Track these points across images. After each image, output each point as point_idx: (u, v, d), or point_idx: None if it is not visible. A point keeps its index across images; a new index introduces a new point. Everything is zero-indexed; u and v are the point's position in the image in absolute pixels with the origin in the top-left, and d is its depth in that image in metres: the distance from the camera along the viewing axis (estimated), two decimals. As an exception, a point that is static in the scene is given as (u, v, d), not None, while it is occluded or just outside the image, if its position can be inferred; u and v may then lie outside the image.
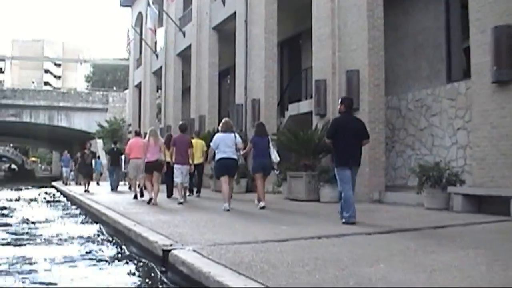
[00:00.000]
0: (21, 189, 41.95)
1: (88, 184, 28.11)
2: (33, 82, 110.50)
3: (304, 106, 24.03)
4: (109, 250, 11.04)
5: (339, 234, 9.82)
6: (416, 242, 9.02)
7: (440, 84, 19.41)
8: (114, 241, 12.19)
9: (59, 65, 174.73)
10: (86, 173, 29.38)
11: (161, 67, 43.63)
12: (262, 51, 25.24)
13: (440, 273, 6.59)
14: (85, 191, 27.20)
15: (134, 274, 8.77)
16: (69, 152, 46.47)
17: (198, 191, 22.17)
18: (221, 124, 16.00)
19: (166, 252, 8.41)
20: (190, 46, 35.80)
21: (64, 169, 44.43)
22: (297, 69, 28.68)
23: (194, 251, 8.11)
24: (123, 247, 11.20)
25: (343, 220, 11.47)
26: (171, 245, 8.69)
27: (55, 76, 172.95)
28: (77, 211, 20.98)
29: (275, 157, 16.48)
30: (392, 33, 19.72)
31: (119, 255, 10.39)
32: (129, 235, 11.28)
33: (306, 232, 10.23)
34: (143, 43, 48.95)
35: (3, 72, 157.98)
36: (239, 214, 14.56)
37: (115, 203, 18.50)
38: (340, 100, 12.47)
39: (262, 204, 15.64)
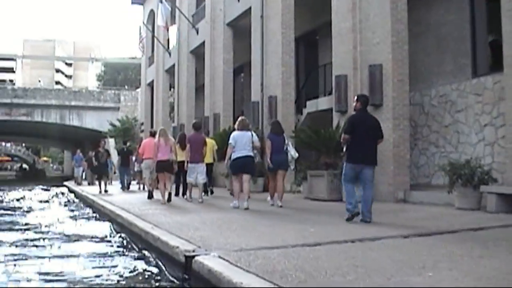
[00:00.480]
0: (31, 190, 41.38)
1: (105, 184, 26.66)
2: (39, 81, 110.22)
3: (323, 103, 23.37)
4: (125, 254, 10.42)
5: (374, 237, 9.15)
6: (459, 246, 8.33)
7: (465, 79, 18.75)
8: (129, 244, 11.57)
9: (70, 65, 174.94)
10: (101, 173, 27.26)
11: (174, 65, 42.98)
12: (279, 46, 24.53)
13: (497, 282, 5.94)
14: (100, 192, 25.75)
15: (154, 281, 8.17)
16: (81, 152, 44.81)
17: (211, 191, 22.12)
18: (237, 123, 15.93)
19: (189, 258, 7.75)
20: (203, 43, 35.14)
21: (76, 169, 42.94)
22: (313, 66, 28.03)
23: (220, 257, 7.45)
24: (141, 251, 10.57)
25: (346, 217, 11.60)
26: (193, 251, 8.04)
27: (66, 76, 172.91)
28: (91, 212, 20.41)
29: (294, 153, 16.44)
30: (413, 27, 18.97)
31: (136, 260, 9.75)
32: (146, 238, 10.63)
33: (336, 234, 9.61)
34: (156, 41, 48.36)
35: (14, 72, 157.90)
36: (260, 214, 14.01)
37: (129, 204, 17.95)
38: (355, 98, 12.27)
39: (279, 203, 15.79)
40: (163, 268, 8.83)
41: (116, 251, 10.77)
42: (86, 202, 24.12)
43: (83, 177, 41.57)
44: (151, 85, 52.30)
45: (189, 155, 18.02)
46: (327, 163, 18.53)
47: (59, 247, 11.45)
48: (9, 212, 20.64)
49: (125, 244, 11.77)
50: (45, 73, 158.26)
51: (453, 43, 19.44)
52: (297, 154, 16.63)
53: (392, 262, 7.00)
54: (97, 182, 27.85)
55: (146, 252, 10.24)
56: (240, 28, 30.68)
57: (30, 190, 41.08)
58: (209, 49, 33.73)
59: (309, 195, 18.74)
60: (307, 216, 13.30)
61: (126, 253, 10.55)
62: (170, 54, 44.66)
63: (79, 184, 39.48)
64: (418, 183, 19.60)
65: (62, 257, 10.12)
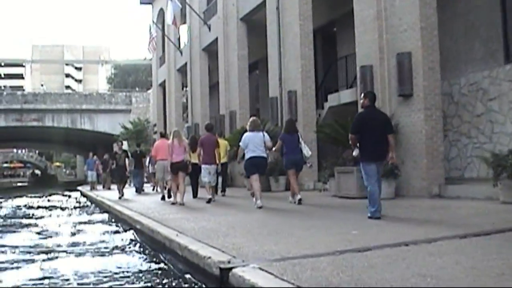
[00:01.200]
0: (42, 196, 40.43)
1: (122, 188, 25.07)
2: (42, 85, 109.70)
3: (346, 96, 22.35)
4: (148, 266, 9.48)
5: (428, 239, 8.14)
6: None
7: (498, 66, 17.75)
8: (152, 253, 10.61)
9: (79, 69, 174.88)
10: (120, 177, 25.36)
11: (186, 64, 42.06)
12: (297, 39, 23.51)
13: None
14: (120, 197, 23.98)
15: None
16: (94, 155, 43.05)
17: (223, 190, 22.25)
18: (248, 123, 16.29)
19: (225, 271, 6.80)
20: (216, 39, 34.11)
21: (89, 173, 40.82)
22: (332, 59, 27.02)
23: (261, 269, 6.48)
24: (165, 262, 9.63)
25: (369, 215, 11.32)
26: (229, 262, 7.08)
27: (76, 80, 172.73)
28: (106, 218, 19.51)
29: (306, 151, 16.34)
30: (439, 13, 17.92)
31: (161, 273, 8.80)
32: (171, 247, 9.68)
33: (384, 237, 8.65)
34: (166, 40, 47.52)
35: (23, 78, 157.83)
36: (291, 215, 13.12)
37: (147, 208, 17.32)
38: (362, 94, 12.31)
39: (298, 196, 15.62)
40: (194, 282, 7.84)
41: (139, 263, 9.81)
42: (102, 207, 23.16)
43: (97, 181, 40.43)
44: (162, 85, 51.40)
45: (202, 157, 18.61)
46: (356, 159, 17.49)
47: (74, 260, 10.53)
48: (18, 221, 19.79)
49: (147, 253, 10.82)
50: (55, 78, 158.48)
51: (482, 28, 18.46)
52: (310, 153, 16.62)
53: (464, 270, 6.01)
54: (113, 186, 26.96)
55: (171, 263, 9.30)
56: (254, 23, 29.67)
57: (41, 196, 40.16)
58: (223, 46, 32.71)
59: (337, 193, 17.70)
60: (341, 215, 12.44)
61: (149, 265, 9.58)
62: (181, 52, 43.67)
63: (93, 188, 38.20)
64: (450, 177, 18.53)
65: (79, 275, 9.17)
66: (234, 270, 6.60)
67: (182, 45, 44.96)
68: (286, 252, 7.56)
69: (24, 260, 10.50)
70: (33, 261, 10.35)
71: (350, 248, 7.64)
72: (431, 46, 16.70)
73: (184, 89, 48.40)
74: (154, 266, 9.41)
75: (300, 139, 16.44)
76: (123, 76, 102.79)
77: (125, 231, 14.60)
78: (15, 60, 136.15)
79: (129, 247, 11.83)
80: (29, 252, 11.58)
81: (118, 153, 25.50)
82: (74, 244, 12.57)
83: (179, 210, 15.89)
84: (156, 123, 53.23)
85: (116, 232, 14.90)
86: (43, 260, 10.27)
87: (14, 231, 16.27)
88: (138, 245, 12.06)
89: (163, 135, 23.31)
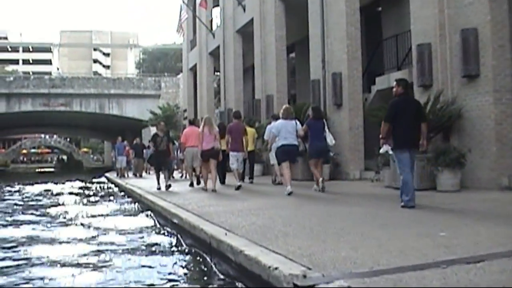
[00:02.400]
0: (65, 183, 38.77)
1: (168, 177, 20.86)
2: (58, 69, 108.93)
3: (397, 77, 20.56)
4: (192, 272, 7.95)
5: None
6: None
7: None
8: (198, 258, 9.03)
9: (108, 55, 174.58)
10: (161, 164, 20.79)
11: (218, 47, 40.31)
12: (342, 17, 21.79)
13: None
14: (159, 188, 20.32)
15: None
16: (124, 139, 40.14)
17: (251, 177, 22.00)
18: (281, 111, 16.28)
19: (303, 289, 5.21)
20: (252, 20, 32.31)
21: (119, 158, 36.20)
22: (375, 40, 25.22)
23: (352, 288, 4.88)
24: (214, 268, 8.07)
25: (402, 204, 11.24)
26: (305, 276, 5.47)
27: (104, 66, 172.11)
28: (136, 208, 18.07)
29: (330, 140, 16.38)
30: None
31: (209, 280, 7.26)
32: (219, 248, 8.06)
33: (485, 241, 7.09)
34: (198, 23, 45.86)
35: (51, 64, 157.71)
36: (347, 208, 11.59)
37: (182, 199, 15.54)
38: (395, 82, 12.11)
39: (320, 185, 15.62)
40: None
41: (181, 267, 8.29)
42: (133, 197, 21.56)
43: (124, 166, 37.10)
44: (193, 69, 49.85)
45: (230, 144, 18.91)
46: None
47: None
48: (35, 212, 18.33)
49: (190, 255, 9.26)
50: (83, 64, 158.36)
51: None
52: (333, 141, 16.70)
53: None
54: (146, 174, 25.00)
55: (222, 269, 7.73)
56: (292, 2, 27.96)
57: (63, 183, 38.52)
58: (259, 27, 30.94)
59: (393, 183, 15.97)
60: (410, 211, 10.71)
61: (196, 272, 8.02)
62: (214, 35, 41.98)
63: (122, 176, 35.51)
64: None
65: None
66: (316, 289, 5.01)
67: (214, 28, 43.35)
68: (373, 262, 5.99)
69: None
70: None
71: (454, 258, 6.06)
72: (501, 21, 14.94)
73: (216, 73, 46.96)
74: (199, 272, 7.88)
75: (325, 127, 16.38)
76: (152, 61, 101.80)
77: (161, 225, 13.08)
78: (42, 44, 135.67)
79: (168, 247, 10.29)
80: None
81: (160, 135, 20.60)
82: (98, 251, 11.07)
83: (216, 200, 14.47)
84: (187, 109, 51.90)
85: (151, 227, 13.35)
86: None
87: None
88: (176, 243, 10.53)
89: (192, 122, 23.00)
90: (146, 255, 9.47)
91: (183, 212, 11.98)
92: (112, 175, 40.20)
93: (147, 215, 15.50)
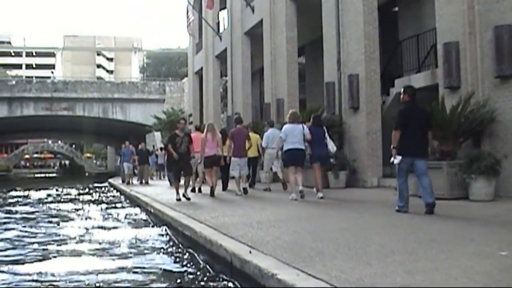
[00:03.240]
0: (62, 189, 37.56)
1: (187, 184, 18.02)
2: (52, 72, 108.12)
3: (419, 79, 19.38)
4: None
5: None
6: None
7: None
8: (218, 279, 7.93)
9: (111, 60, 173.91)
10: (184, 169, 17.56)
11: (225, 49, 39.22)
12: (359, 16, 20.68)
13: None
14: (179, 199, 17.11)
15: None
16: (131, 144, 36.27)
17: (253, 183, 21.94)
18: (288, 116, 16.24)
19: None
20: (261, 21, 31.18)
21: (125, 164, 33.93)
22: (392, 41, 24.08)
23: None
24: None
25: (396, 208, 11.71)
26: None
27: (107, 71, 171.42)
28: (140, 214, 16.95)
29: (332, 147, 16.81)
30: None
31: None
32: (244, 269, 7.01)
33: None
34: (204, 25, 44.89)
35: (54, 69, 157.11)
36: (380, 221, 10.44)
37: (192, 208, 14.49)
38: (402, 89, 12.17)
39: (320, 194, 15.71)
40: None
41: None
42: (140, 205, 20.37)
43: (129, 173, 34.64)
44: (199, 73, 48.74)
45: (232, 150, 18.69)
46: (444, 151, 14.63)
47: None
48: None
49: (210, 278, 8.14)
50: (86, 69, 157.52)
51: None
52: (335, 148, 17.17)
53: None
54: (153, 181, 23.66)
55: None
56: (304, 2, 26.85)
57: (74, 189, 37.44)
58: (269, 28, 29.77)
59: (419, 192, 14.87)
60: (455, 225, 9.59)
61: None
62: (220, 38, 40.88)
63: (128, 183, 33.10)
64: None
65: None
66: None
67: (221, 30, 42.21)
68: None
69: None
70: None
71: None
72: (538, 17, 13.88)
73: (222, 77, 45.86)
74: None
75: (326, 134, 16.66)
76: (156, 66, 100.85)
77: (173, 240, 11.96)
78: (45, 48, 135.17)
79: (182, 265, 9.19)
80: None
81: (179, 135, 17.45)
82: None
83: (230, 210, 13.38)
84: (192, 113, 50.82)
85: (160, 241, 12.26)
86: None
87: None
88: (190, 259, 9.42)
89: (198, 128, 23.14)
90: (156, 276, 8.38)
91: (195, 224, 10.88)
92: (116, 181, 38.99)
93: (153, 225, 14.45)
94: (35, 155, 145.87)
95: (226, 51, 39.00)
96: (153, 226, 14.36)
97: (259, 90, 39.27)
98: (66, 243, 11.78)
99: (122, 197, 27.42)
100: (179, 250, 10.39)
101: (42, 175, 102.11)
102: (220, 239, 8.60)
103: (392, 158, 11.62)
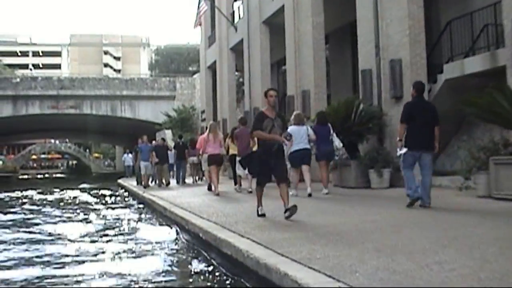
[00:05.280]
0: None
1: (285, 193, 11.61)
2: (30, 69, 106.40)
3: (474, 63, 17.02)
4: None
5: None
6: None
7: None
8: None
9: (118, 59, 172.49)
10: (277, 171, 10.95)
11: (241, 41, 37.02)
12: (401, -6, 18.39)
13: None
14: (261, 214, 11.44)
15: None
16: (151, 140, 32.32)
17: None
18: (293, 117, 16.72)
19: None
20: (282, 8, 28.84)
21: (142, 164, 28.02)
22: (436, 22, 21.66)
23: None
24: None
25: (408, 196, 11.87)
26: None
27: (114, 70, 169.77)
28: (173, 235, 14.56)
29: (338, 143, 17.12)
30: None
31: None
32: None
33: None
34: (217, 17, 42.67)
35: (60, 69, 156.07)
36: (435, 222, 9.39)
37: (207, 207, 12.99)
38: (412, 85, 12.39)
39: (325, 190, 16.42)
40: None
41: None
42: (169, 218, 17.39)
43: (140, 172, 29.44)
44: (212, 67, 46.52)
45: (237, 149, 19.14)
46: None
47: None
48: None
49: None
50: (93, 69, 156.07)
51: None
52: (341, 144, 17.32)
53: None
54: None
55: None
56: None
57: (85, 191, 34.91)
58: (292, 14, 27.28)
59: (495, 192, 12.49)
60: None
61: None
62: (236, 28, 38.54)
63: (147, 186, 27.63)
64: None
65: None
66: None
67: (236, 21, 39.88)
68: None
69: None
70: None
71: None
72: None
73: (237, 72, 43.47)
74: None
75: (331, 131, 17.00)
76: (165, 62, 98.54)
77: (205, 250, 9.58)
78: (52, 44, 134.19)
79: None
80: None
81: (269, 116, 11.03)
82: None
83: (270, 216, 10.93)
84: (205, 110, 48.64)
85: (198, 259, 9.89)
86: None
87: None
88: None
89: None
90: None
91: (236, 238, 8.50)
92: (126, 181, 36.38)
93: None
94: (43, 156, 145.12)
95: (242, 43, 36.88)
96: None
97: (277, 83, 36.99)
98: None
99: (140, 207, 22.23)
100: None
101: (41, 176, 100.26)
102: (281, 265, 6.24)
103: (398, 150, 11.95)
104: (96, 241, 12.23)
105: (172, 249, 10.58)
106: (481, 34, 18.00)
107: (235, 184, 20.59)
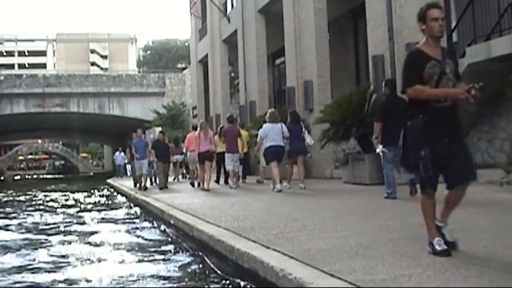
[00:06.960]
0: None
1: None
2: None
3: (502, 45, 15.38)
4: None
5: None
6: None
7: None
8: None
9: (105, 57, 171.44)
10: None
11: (235, 32, 35.59)
12: (416, -30, 16.77)
13: None
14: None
15: None
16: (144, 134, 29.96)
17: (244, 178, 23.23)
18: (268, 115, 17.54)
19: None
20: (279, -5, 27.26)
21: (138, 162, 24.80)
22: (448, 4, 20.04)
23: None
24: None
25: (385, 195, 12.35)
26: None
27: (101, 69, 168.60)
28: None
29: (310, 140, 17.93)
30: None
31: None
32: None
33: None
34: (208, 9, 41.31)
35: (46, 68, 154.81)
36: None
37: (209, 208, 11.24)
38: (383, 83, 12.99)
39: (302, 185, 16.88)
40: None
41: None
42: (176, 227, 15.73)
43: (135, 172, 26.69)
44: (203, 61, 45.09)
45: (226, 146, 20.24)
46: None
47: None
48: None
49: None
50: (80, 67, 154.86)
51: None
52: (312, 141, 18.37)
53: None
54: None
55: None
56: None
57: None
58: (291, 1, 25.81)
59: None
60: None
61: None
62: (229, 19, 37.03)
63: (141, 188, 24.57)
64: None
65: None
66: None
67: (228, 11, 38.45)
68: None
69: None
70: None
71: None
72: None
73: (231, 65, 41.83)
74: None
75: (303, 129, 17.83)
76: (153, 59, 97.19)
77: (219, 267, 7.84)
78: (38, 39, 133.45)
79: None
80: None
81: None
82: None
83: (289, 218, 9.57)
84: (197, 105, 47.32)
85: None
86: None
87: None
88: None
89: (195, 128, 22.80)
90: None
91: (260, 250, 6.83)
92: (116, 181, 34.52)
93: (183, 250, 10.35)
94: (30, 156, 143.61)
95: (236, 34, 35.46)
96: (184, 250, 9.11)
97: (272, 76, 35.41)
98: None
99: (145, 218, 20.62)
100: None
101: (19, 177, 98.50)
102: (293, 266, 4.58)
103: (376, 148, 12.28)
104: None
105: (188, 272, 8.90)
106: (505, 13, 16.36)
107: (218, 181, 22.69)
